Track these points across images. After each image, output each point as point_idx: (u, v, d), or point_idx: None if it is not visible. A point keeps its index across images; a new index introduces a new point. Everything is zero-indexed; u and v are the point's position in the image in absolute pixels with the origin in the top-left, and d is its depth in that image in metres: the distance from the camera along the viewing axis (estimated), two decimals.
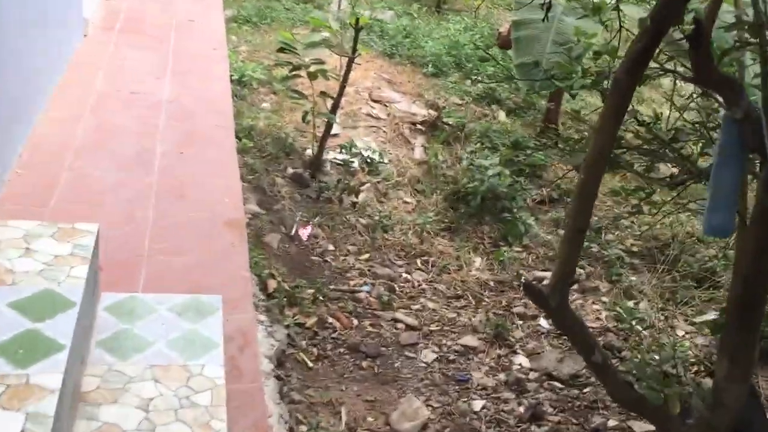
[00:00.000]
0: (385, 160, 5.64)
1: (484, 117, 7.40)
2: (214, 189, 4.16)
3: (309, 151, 5.50)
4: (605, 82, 3.17)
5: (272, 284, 3.95)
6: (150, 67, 5.84)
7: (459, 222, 5.09)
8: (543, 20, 4.25)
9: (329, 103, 5.26)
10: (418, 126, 6.25)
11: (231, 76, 6.32)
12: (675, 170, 3.84)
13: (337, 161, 5.43)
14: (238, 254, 3.59)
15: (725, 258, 4.85)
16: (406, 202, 5.29)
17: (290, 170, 5.20)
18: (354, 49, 4.89)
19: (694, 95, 3.72)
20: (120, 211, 3.66)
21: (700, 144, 3.27)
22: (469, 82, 8.55)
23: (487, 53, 7.53)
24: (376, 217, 5.00)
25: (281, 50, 5.10)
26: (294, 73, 5.12)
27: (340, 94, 4.91)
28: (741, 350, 2.39)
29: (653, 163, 3.52)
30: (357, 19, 4.77)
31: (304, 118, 4.93)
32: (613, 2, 3.64)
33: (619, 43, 3.50)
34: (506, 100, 7.92)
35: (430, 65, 8.44)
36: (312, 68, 5.08)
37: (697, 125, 3.29)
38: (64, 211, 3.44)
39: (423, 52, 8.67)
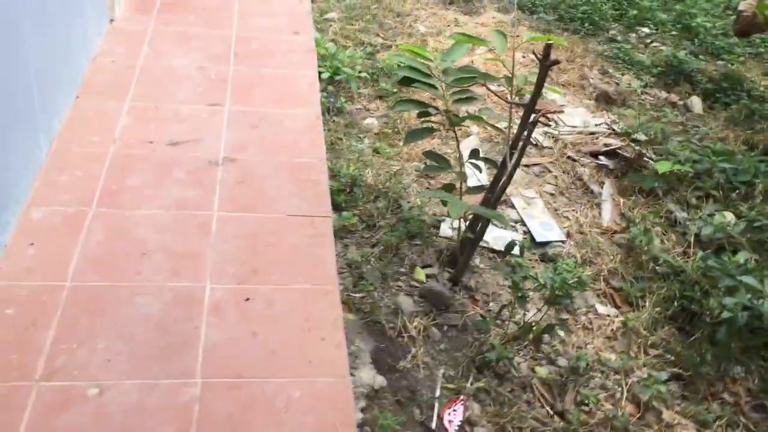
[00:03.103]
0: (562, 235, 3.61)
1: (673, 108, 5.18)
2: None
3: (445, 227, 3.51)
4: None
5: None
6: (202, 80, 3.89)
7: (694, 364, 3.08)
8: None
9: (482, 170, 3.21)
10: (602, 159, 4.13)
11: (320, 73, 4.31)
12: None
13: (492, 248, 3.45)
14: None
15: None
16: (600, 316, 3.30)
17: (420, 273, 3.25)
18: (537, 92, 2.78)
19: None
20: None
21: None
22: (634, 36, 6.27)
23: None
24: (561, 361, 3.05)
25: (405, 82, 3.05)
26: (427, 123, 3.08)
27: (510, 176, 2.84)
28: None
29: None
30: (548, 45, 2.63)
31: (454, 216, 2.92)
32: None
33: None
34: (696, 74, 5.60)
35: (585, 21, 6.15)
36: (459, 111, 3.03)
37: None
38: None
39: None
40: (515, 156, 2.75)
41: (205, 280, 2.66)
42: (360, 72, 4.56)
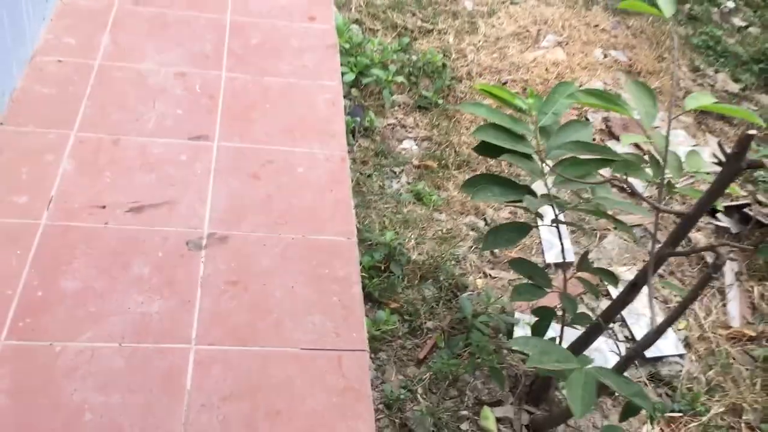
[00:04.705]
0: (680, 346, 2.59)
1: None
2: None
3: (521, 335, 2.50)
4: None
5: None
6: (182, 95, 2.79)
7: None
8: None
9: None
10: (721, 219, 3.08)
11: (342, 74, 3.23)
12: None
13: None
14: None
15: None
16: None
17: (489, 417, 2.26)
18: (710, 200, 1.71)
19: None
20: None
21: None
22: (716, 12, 5.12)
23: None
24: None
25: (485, 150, 1.99)
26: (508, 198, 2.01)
27: (659, 332, 1.80)
28: None
29: None
30: (748, 136, 1.57)
31: (579, 415, 1.87)
32: None
33: None
34: None
35: None
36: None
37: None
38: None
39: None
40: (679, 307, 1.71)
41: None
42: (394, 74, 3.43)
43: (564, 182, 1.99)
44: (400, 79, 3.43)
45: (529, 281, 2.03)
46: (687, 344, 2.61)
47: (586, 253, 2.10)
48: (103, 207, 2.32)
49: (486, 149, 2.03)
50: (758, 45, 4.73)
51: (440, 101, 3.45)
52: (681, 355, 2.57)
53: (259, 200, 2.46)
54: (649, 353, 2.54)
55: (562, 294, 2.02)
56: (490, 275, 2.72)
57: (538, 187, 2.08)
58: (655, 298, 2.73)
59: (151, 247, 2.22)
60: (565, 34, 3.92)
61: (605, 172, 2.22)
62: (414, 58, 3.68)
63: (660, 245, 1.85)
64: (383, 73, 3.40)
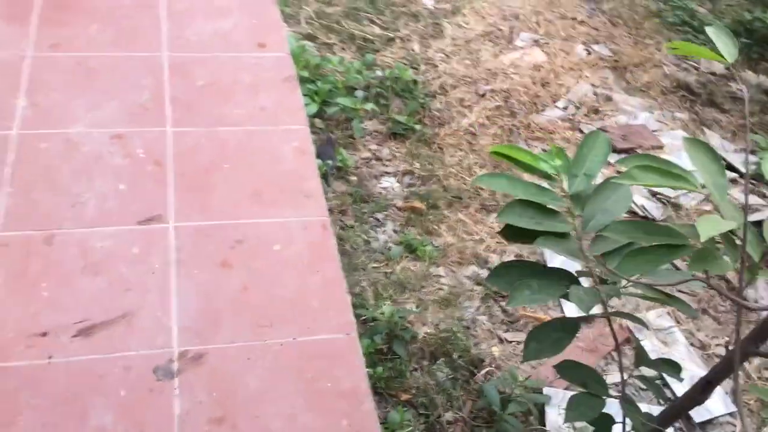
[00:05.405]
0: (729, 401, 2.30)
1: None
2: None
3: (554, 417, 2.16)
4: None
5: None
6: (123, 164, 2.36)
7: None
8: None
9: None
10: None
11: (306, 105, 2.81)
12: None
13: None
14: None
15: None
16: None
17: None
18: None
19: None
20: None
21: None
22: None
23: None
24: None
25: (511, 234, 1.62)
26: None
27: None
28: None
29: None
30: None
31: None
32: None
33: None
34: None
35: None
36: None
37: None
38: None
39: None
40: None
41: None
42: (364, 100, 3.02)
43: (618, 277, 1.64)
44: (369, 106, 3.02)
45: (583, 389, 1.68)
46: (736, 398, 2.32)
47: (640, 346, 1.76)
48: (44, 334, 1.88)
49: (515, 233, 1.67)
50: (732, 14, 4.45)
51: (417, 126, 3.06)
52: (731, 413, 2.28)
53: (233, 296, 2.05)
54: (698, 417, 2.25)
55: (621, 399, 1.68)
56: (506, 340, 2.38)
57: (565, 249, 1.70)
58: (692, 344, 2.43)
59: (110, 383, 1.80)
60: (542, 31, 3.55)
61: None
62: (380, 74, 3.26)
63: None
64: (350, 101, 2.99)
